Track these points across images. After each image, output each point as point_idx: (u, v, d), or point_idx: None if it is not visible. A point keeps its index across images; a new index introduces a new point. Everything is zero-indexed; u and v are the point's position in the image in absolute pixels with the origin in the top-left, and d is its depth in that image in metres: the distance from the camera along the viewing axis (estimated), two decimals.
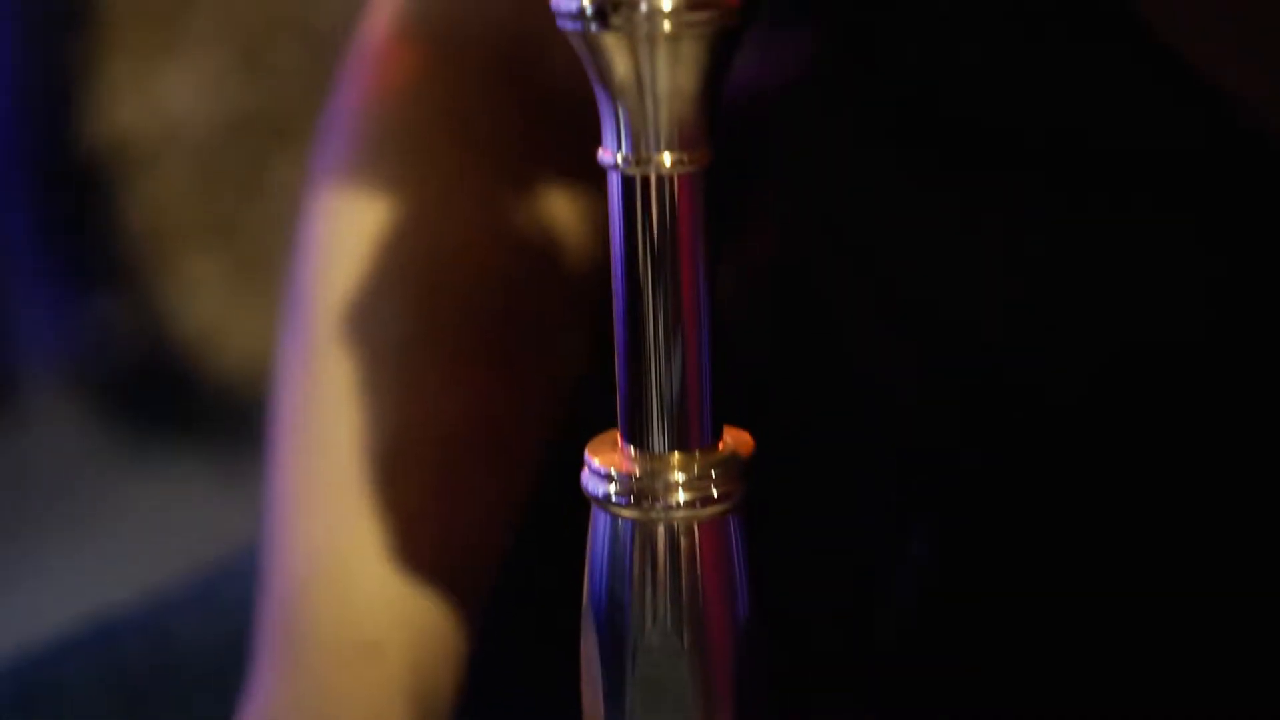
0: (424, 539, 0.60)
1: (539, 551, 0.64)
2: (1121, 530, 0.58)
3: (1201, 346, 0.56)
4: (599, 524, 0.45)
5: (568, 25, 0.43)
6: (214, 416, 1.98)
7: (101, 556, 1.88)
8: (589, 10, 0.43)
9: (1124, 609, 0.58)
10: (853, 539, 0.62)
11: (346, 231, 0.65)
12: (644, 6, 0.42)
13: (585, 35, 0.43)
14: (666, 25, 0.42)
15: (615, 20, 0.42)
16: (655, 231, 0.44)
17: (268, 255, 2.00)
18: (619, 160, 0.44)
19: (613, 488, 0.44)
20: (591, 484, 0.45)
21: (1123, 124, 0.55)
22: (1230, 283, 0.55)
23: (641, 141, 0.43)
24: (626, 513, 0.44)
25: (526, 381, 0.65)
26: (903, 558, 0.61)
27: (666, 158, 0.44)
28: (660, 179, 0.44)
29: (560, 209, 0.67)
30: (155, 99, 1.98)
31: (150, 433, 1.98)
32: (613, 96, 0.43)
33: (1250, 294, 0.55)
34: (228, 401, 1.98)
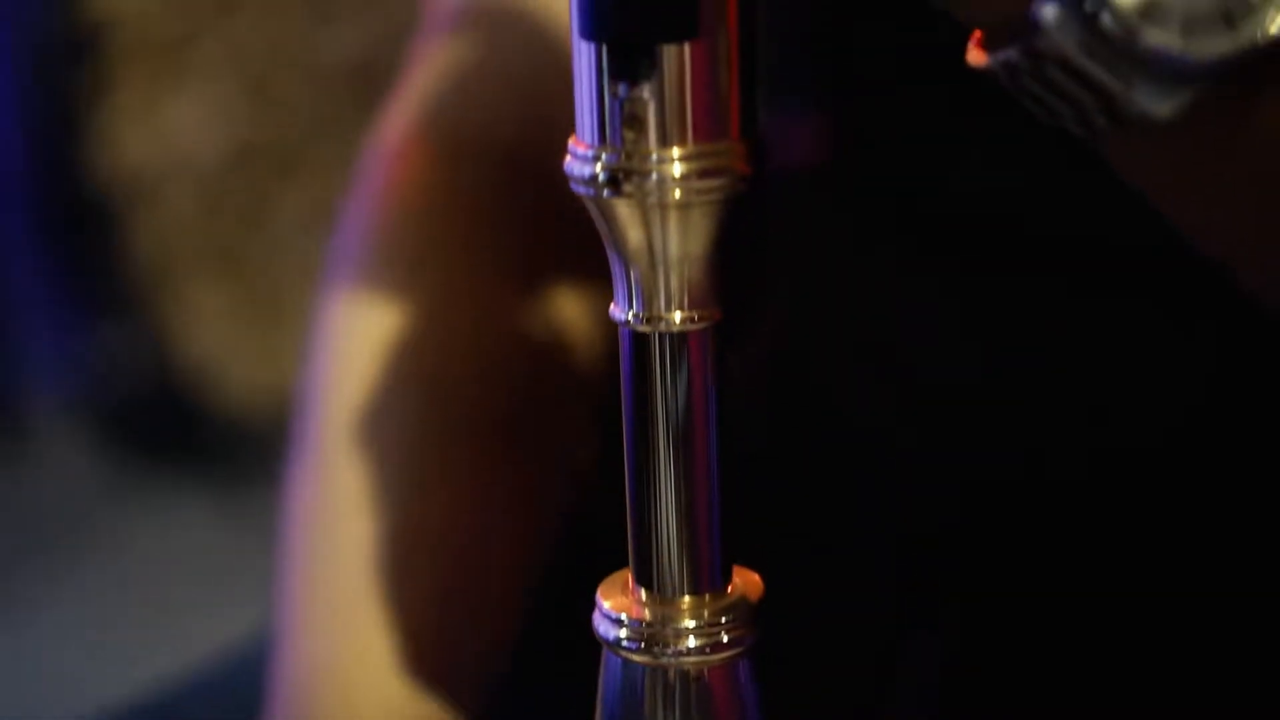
0: (430, 647, 0.61)
1: (548, 652, 0.65)
2: (1131, 607, 0.59)
3: (1198, 428, 0.57)
4: (611, 666, 0.46)
5: (580, 190, 0.44)
6: (219, 446, 1.99)
7: (105, 586, 1.89)
8: (601, 178, 0.44)
9: (1141, 686, 0.59)
10: (860, 631, 0.63)
11: (356, 336, 0.66)
12: (655, 175, 0.43)
13: (597, 201, 0.44)
14: (677, 193, 0.44)
15: (627, 188, 0.44)
16: (666, 386, 0.45)
17: (272, 286, 2.01)
18: (630, 317, 0.45)
19: (624, 632, 0.46)
20: (603, 627, 0.46)
21: (1123, 221, 0.56)
22: (1226, 370, 0.56)
23: (652, 301, 0.45)
24: (638, 658, 0.46)
25: (534, 482, 0.66)
26: (912, 647, 0.62)
27: (677, 316, 0.45)
28: (671, 336, 0.45)
29: (567, 306, 0.68)
30: (161, 131, 1.99)
31: (155, 462, 2.00)
32: (624, 260, 0.45)
33: (1245, 381, 0.56)
34: (233, 431, 2.00)
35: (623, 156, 0.44)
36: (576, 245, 0.63)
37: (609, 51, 0.43)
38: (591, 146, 0.44)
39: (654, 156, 0.43)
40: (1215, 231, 0.42)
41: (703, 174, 0.44)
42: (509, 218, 0.68)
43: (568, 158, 0.45)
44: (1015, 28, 0.40)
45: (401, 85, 0.72)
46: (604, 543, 0.54)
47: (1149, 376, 0.56)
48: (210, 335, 2.01)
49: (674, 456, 0.45)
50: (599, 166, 0.44)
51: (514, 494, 0.65)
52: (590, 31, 0.43)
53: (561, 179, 0.63)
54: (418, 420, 0.64)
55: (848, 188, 0.60)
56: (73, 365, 2.02)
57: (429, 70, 0.70)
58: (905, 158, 0.59)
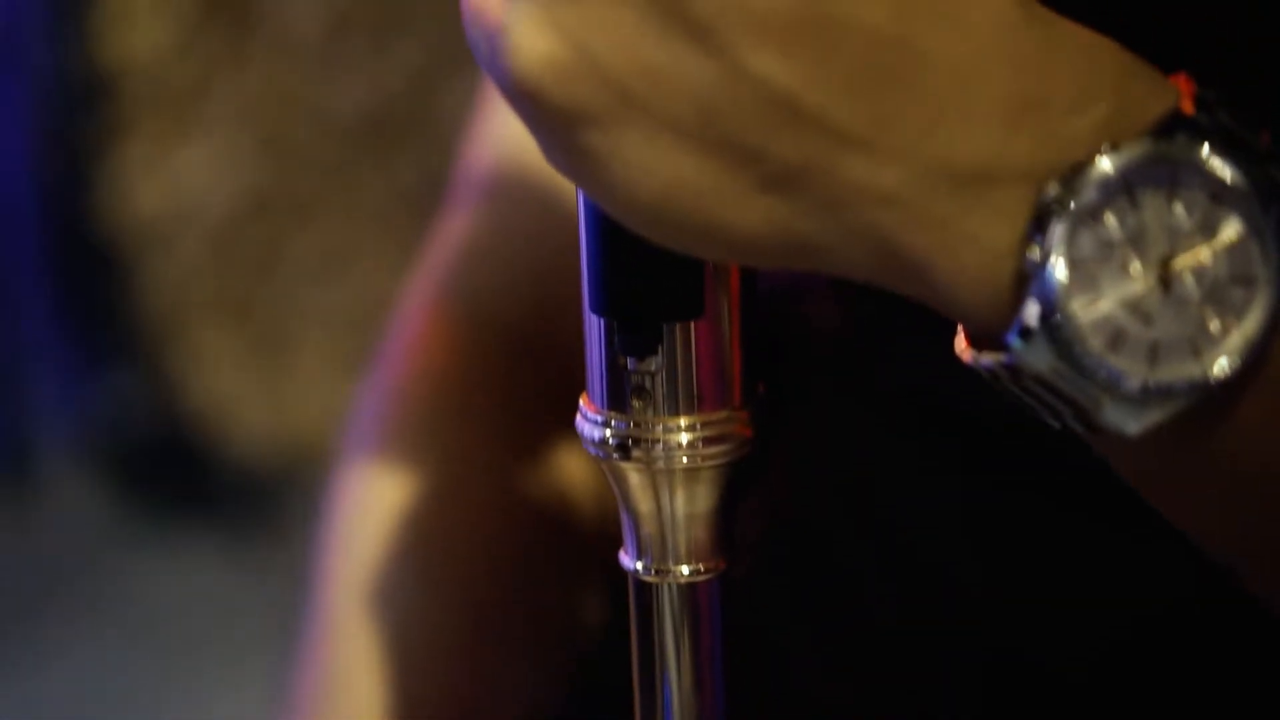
0: None
1: None
2: None
3: (1194, 622, 0.58)
4: None
5: (591, 450, 0.46)
6: (228, 493, 2.01)
7: (114, 631, 1.90)
8: (611, 443, 0.46)
9: None
10: None
11: (369, 502, 0.68)
12: (662, 443, 0.45)
13: (608, 463, 0.46)
14: (684, 459, 0.46)
15: (635, 454, 0.46)
16: (672, 633, 0.47)
17: (282, 334, 2.03)
18: (639, 567, 0.47)
19: None
20: None
21: None
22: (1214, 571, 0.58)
23: (661, 555, 0.47)
24: None
25: (541, 652, 0.68)
26: None
27: (685, 569, 0.47)
28: (679, 586, 0.47)
29: (576, 473, 0.70)
30: (172, 179, 2.01)
31: (164, 508, 2.01)
32: (634, 516, 0.47)
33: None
34: (242, 478, 2.01)
35: (631, 424, 0.45)
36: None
37: (618, 327, 0.45)
38: (601, 411, 0.46)
39: (661, 425, 0.45)
40: (1207, 533, 0.44)
41: (708, 441, 0.46)
42: (520, 390, 0.70)
43: (579, 418, 0.47)
44: (993, 340, 0.42)
45: (427, 254, 0.74)
46: (609, 706, 0.56)
47: (1158, 570, 0.57)
48: (220, 383, 2.03)
49: (680, 700, 0.47)
50: (609, 432, 0.46)
51: (520, 665, 0.67)
52: (600, 307, 0.45)
53: (571, 352, 0.65)
54: (427, 592, 0.66)
55: (860, 378, 0.61)
56: (82, 412, 2.04)
57: (450, 243, 0.72)
58: (917, 355, 0.61)
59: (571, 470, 0.70)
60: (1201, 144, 0.40)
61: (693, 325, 0.45)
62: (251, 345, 2.03)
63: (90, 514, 2.01)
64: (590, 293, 0.46)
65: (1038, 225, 0.40)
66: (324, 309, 2.03)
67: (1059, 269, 0.40)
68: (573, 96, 0.40)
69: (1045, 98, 0.40)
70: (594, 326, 0.46)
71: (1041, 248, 0.40)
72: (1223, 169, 0.40)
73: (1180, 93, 0.42)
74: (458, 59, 1.94)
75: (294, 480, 2.00)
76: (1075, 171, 0.40)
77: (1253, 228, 0.40)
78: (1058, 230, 0.40)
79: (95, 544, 1.98)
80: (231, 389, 2.03)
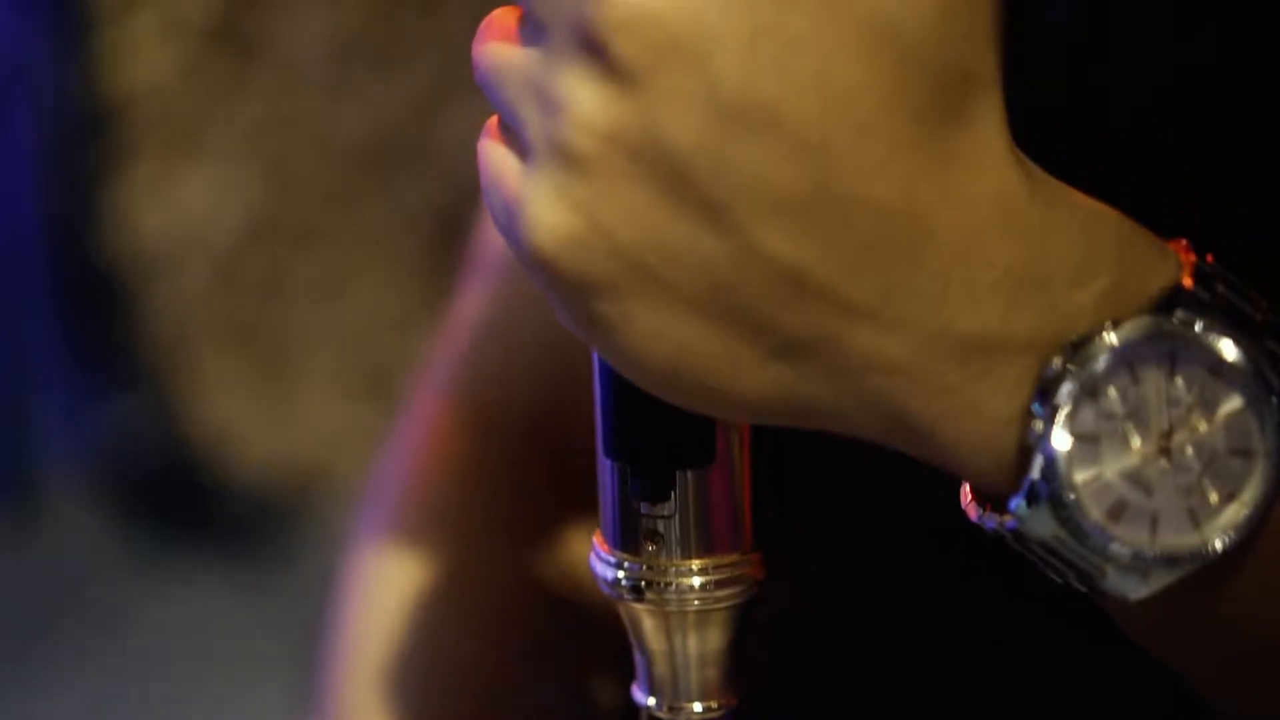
0: None
1: None
2: None
3: None
4: None
5: (605, 590, 0.48)
6: (233, 519, 2.02)
7: (118, 660, 1.91)
8: (624, 583, 0.47)
9: None
10: None
11: (380, 591, 0.70)
12: (674, 586, 0.47)
13: (621, 604, 0.47)
14: (695, 602, 0.47)
15: (648, 595, 0.47)
16: None
17: (288, 360, 2.04)
18: (651, 703, 0.48)
19: None
20: None
21: None
22: None
23: (673, 693, 0.48)
24: None
25: None
26: None
27: (697, 706, 0.48)
28: None
29: (582, 561, 0.71)
30: (176, 206, 2.01)
31: (170, 535, 2.02)
32: (646, 654, 0.48)
33: None
34: (247, 504, 2.02)
35: (644, 567, 0.47)
36: (592, 504, 0.66)
37: (631, 472, 0.46)
38: (614, 552, 0.47)
39: (674, 569, 0.46)
40: (1206, 683, 0.45)
41: (720, 584, 0.47)
42: (532, 475, 0.71)
43: (592, 556, 0.49)
44: (997, 502, 0.43)
45: (439, 339, 0.75)
46: None
47: (1139, 696, 0.58)
48: (225, 408, 2.04)
49: None
50: (622, 574, 0.47)
51: None
52: (613, 452, 0.46)
53: (583, 435, 0.67)
54: (436, 683, 0.68)
55: (865, 488, 0.62)
56: (87, 439, 2.04)
57: (462, 324, 0.73)
58: (921, 467, 0.62)
59: (582, 554, 0.72)
60: (1201, 319, 0.41)
61: (705, 472, 0.46)
62: (256, 371, 2.04)
63: (95, 540, 2.01)
64: (604, 438, 0.47)
65: (1041, 398, 0.41)
66: (329, 334, 2.04)
67: (1061, 441, 0.41)
68: (587, 268, 0.41)
69: (1047, 272, 0.42)
70: (607, 470, 0.47)
71: (1044, 420, 0.41)
72: (1221, 345, 0.41)
73: (1180, 262, 0.43)
74: (461, 85, 1.95)
75: (300, 506, 2.01)
76: (1077, 347, 0.41)
77: (1251, 401, 0.41)
78: (1060, 404, 0.41)
79: (100, 571, 1.99)
80: (237, 415, 2.04)
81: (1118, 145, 0.55)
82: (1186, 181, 0.54)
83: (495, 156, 0.44)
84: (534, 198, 0.41)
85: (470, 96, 2.17)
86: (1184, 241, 0.44)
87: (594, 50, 0.40)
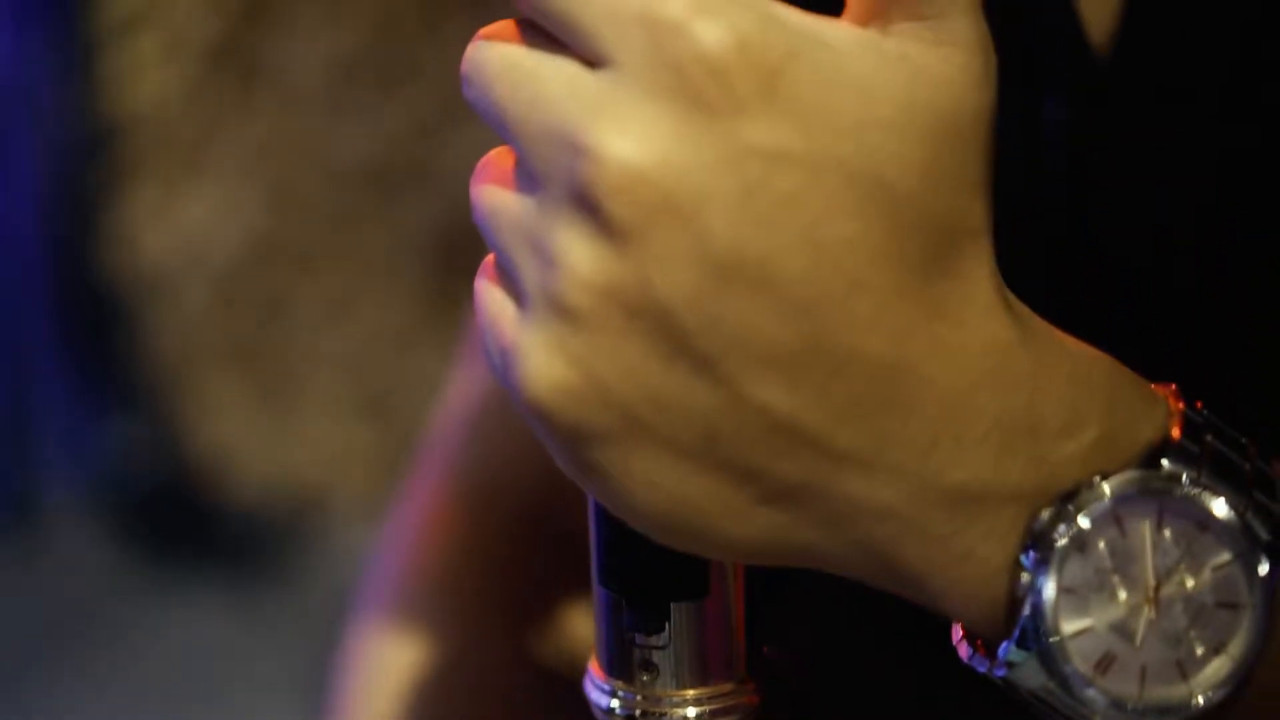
0: None
1: None
2: None
3: None
4: None
5: (600, 717, 0.48)
6: (234, 541, 2.02)
7: (119, 681, 1.91)
8: (619, 712, 0.47)
9: None
10: None
11: (380, 673, 0.70)
12: (669, 715, 0.47)
13: None
14: None
15: None
16: None
17: (288, 382, 2.04)
18: None
19: None
20: None
21: None
22: None
23: None
24: None
25: None
26: None
27: None
28: None
29: (586, 639, 0.72)
30: (178, 228, 2.02)
31: (169, 557, 2.02)
32: None
33: None
34: (247, 526, 2.02)
35: (639, 696, 0.47)
36: (590, 585, 0.66)
37: (625, 603, 0.46)
38: (609, 680, 0.47)
39: (668, 699, 0.47)
40: None
41: (716, 714, 0.47)
42: (531, 555, 0.72)
43: (587, 683, 0.49)
44: (988, 644, 0.43)
45: (437, 419, 0.75)
46: None
47: None
48: (225, 430, 2.04)
49: None
50: (616, 703, 0.47)
51: None
52: (607, 582, 0.47)
53: (576, 524, 0.67)
54: None
55: (851, 598, 0.63)
56: (88, 461, 2.05)
57: (462, 402, 0.74)
58: None
59: (581, 635, 0.72)
60: (1189, 472, 0.42)
61: (699, 603, 0.47)
62: (257, 392, 2.05)
63: (95, 561, 2.02)
64: (598, 568, 0.47)
65: (1030, 549, 0.42)
66: (330, 356, 2.04)
67: (1049, 593, 0.42)
68: (582, 419, 0.42)
69: (1036, 422, 0.42)
70: (602, 598, 0.48)
71: (1032, 572, 0.42)
72: (1209, 501, 0.42)
73: (1169, 411, 0.43)
74: (463, 108, 1.95)
75: (300, 527, 2.01)
76: (1066, 499, 0.42)
77: (1238, 555, 0.42)
78: (1048, 557, 0.41)
79: (100, 592, 1.99)
80: (237, 436, 2.04)
81: (1115, 255, 0.55)
82: (1182, 299, 0.55)
83: (492, 300, 0.44)
84: (529, 348, 0.42)
85: (471, 119, 2.17)
86: (1173, 387, 0.44)
87: (588, 208, 0.41)
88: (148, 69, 2.02)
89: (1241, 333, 0.54)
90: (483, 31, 0.44)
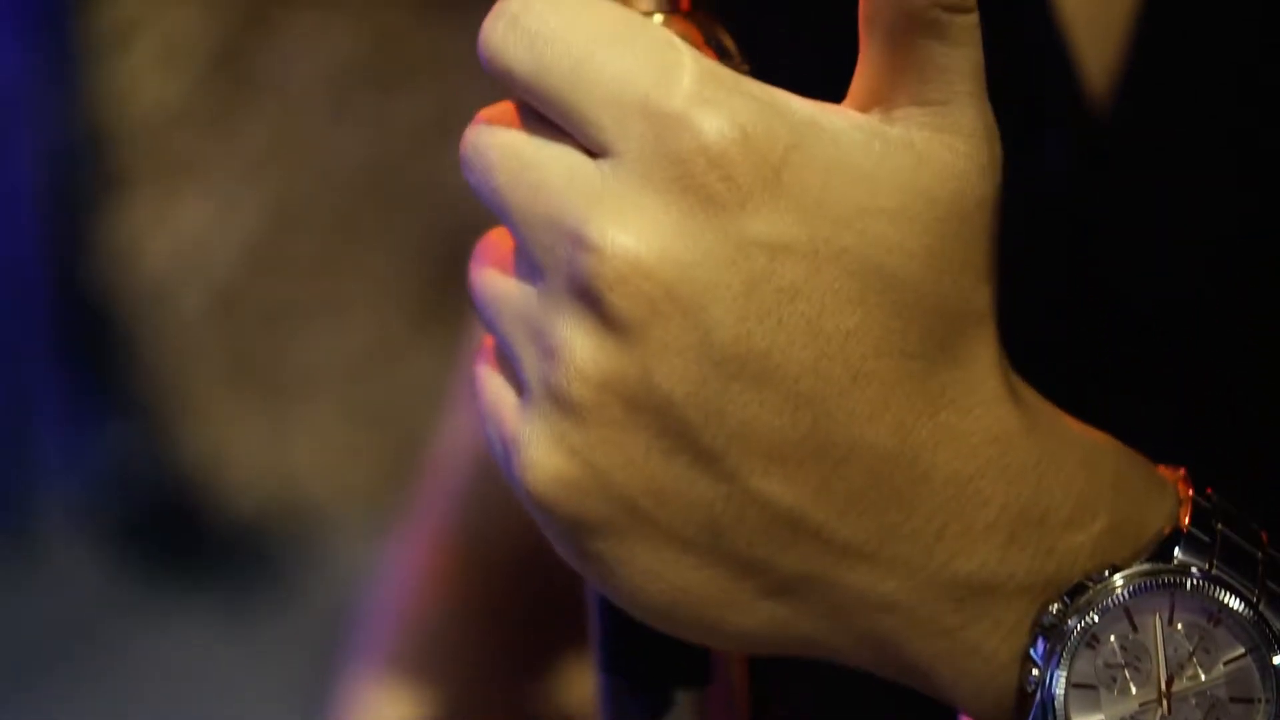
0: None
1: None
2: None
3: None
4: None
5: None
6: (228, 554, 2.02)
7: (112, 695, 1.91)
8: None
9: None
10: None
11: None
12: None
13: None
14: None
15: None
16: None
17: (284, 393, 2.04)
18: None
19: None
20: None
21: None
22: None
23: None
24: None
25: None
26: None
27: None
28: None
29: (582, 687, 0.71)
30: (174, 236, 2.01)
31: (166, 568, 2.02)
32: None
33: None
34: (244, 537, 2.02)
35: None
36: (582, 625, 0.66)
37: (628, 688, 0.46)
38: None
39: None
40: None
41: None
42: (519, 612, 0.71)
43: None
44: None
45: (430, 468, 0.75)
46: None
47: None
48: (222, 440, 2.04)
49: None
50: None
51: None
52: (610, 669, 0.46)
53: (570, 574, 0.67)
54: None
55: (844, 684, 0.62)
56: (84, 472, 2.04)
57: (453, 460, 0.73)
58: None
59: (578, 690, 0.72)
60: (1200, 564, 0.41)
61: (702, 690, 0.46)
62: (255, 404, 2.04)
63: (91, 573, 2.01)
64: (601, 655, 0.47)
65: (1039, 644, 0.41)
66: (326, 367, 2.04)
67: (1060, 688, 0.41)
68: (583, 511, 0.41)
69: (1043, 512, 0.41)
70: (605, 685, 0.47)
71: (1042, 667, 0.41)
72: (1221, 594, 0.41)
73: (1179, 498, 0.42)
74: (461, 116, 1.95)
75: (297, 540, 2.01)
76: (1075, 594, 0.41)
77: (1252, 648, 0.41)
78: (1059, 651, 0.41)
79: (96, 603, 1.99)
80: (234, 446, 2.03)
81: (1117, 300, 0.54)
82: (1186, 344, 0.54)
83: (492, 387, 0.43)
84: (530, 440, 0.41)
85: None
86: (1182, 471, 0.43)
87: (590, 301, 0.40)
88: (145, 77, 2.01)
89: (1247, 379, 0.53)
90: (483, 114, 0.44)
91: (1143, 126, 0.53)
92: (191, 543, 2.03)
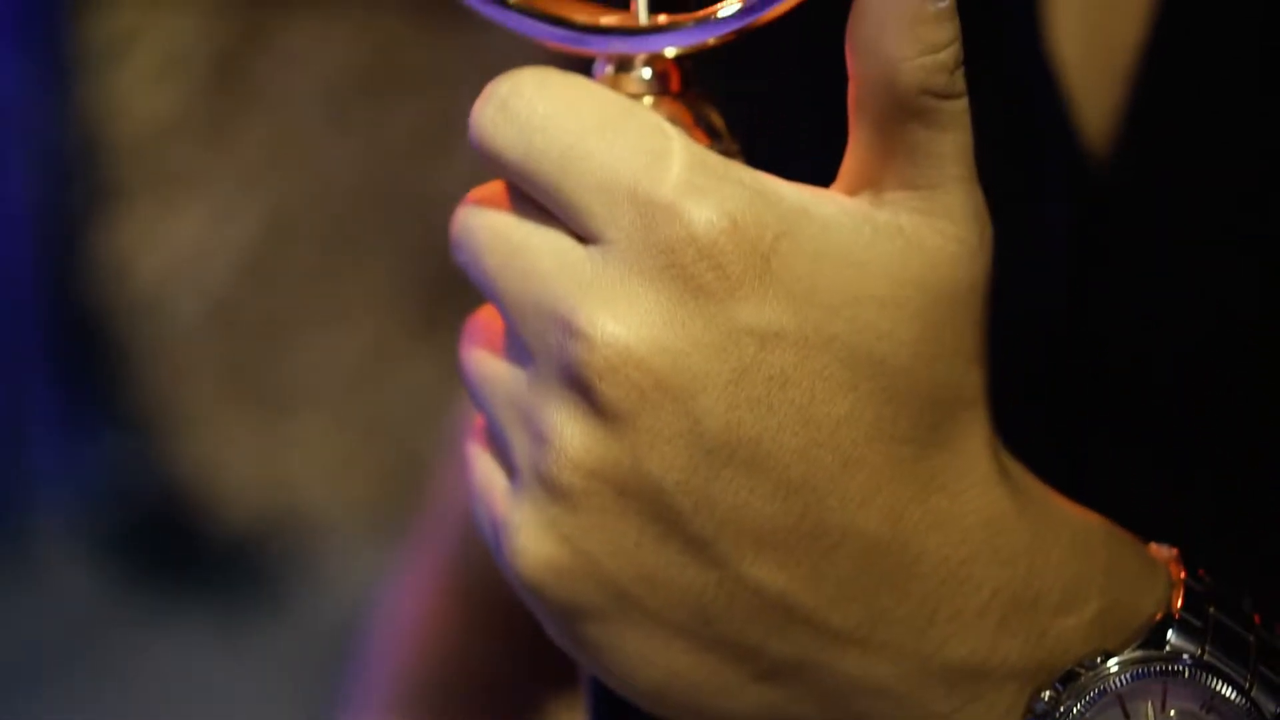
0: None
1: None
2: None
3: None
4: None
5: None
6: (222, 567, 2.01)
7: (106, 708, 1.91)
8: None
9: None
10: None
11: None
12: None
13: None
14: None
15: None
16: None
17: (281, 405, 2.04)
18: None
19: None
20: None
21: None
22: None
23: None
24: None
25: None
26: None
27: None
28: None
29: None
30: (169, 248, 2.01)
31: (162, 580, 2.01)
32: None
33: None
34: (239, 551, 2.02)
35: None
36: (570, 669, 0.66)
37: None
38: None
39: None
40: None
41: None
42: (517, 654, 0.71)
43: None
44: None
45: (427, 512, 0.75)
46: None
47: None
48: (215, 453, 2.03)
49: None
50: None
51: None
52: None
53: None
54: None
55: None
56: (79, 484, 2.04)
57: (450, 503, 0.73)
58: None
59: None
60: (1192, 649, 0.41)
61: None
62: (249, 414, 2.04)
63: (86, 586, 2.01)
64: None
65: None
66: (323, 378, 2.03)
67: None
68: (574, 596, 0.41)
69: (1035, 597, 0.41)
70: None
71: None
72: (1213, 681, 0.41)
73: (1170, 581, 0.42)
74: (457, 126, 1.94)
75: (292, 552, 2.01)
76: (1067, 680, 0.41)
77: None
78: None
79: (91, 617, 1.99)
80: (229, 457, 2.03)
81: (1117, 358, 0.54)
82: (1183, 403, 0.54)
83: (482, 467, 0.43)
84: (520, 525, 0.41)
85: (466, 139, 2.16)
86: (1175, 552, 0.43)
87: (580, 389, 0.40)
88: (141, 88, 2.01)
89: (1244, 439, 0.53)
90: (472, 195, 0.44)
91: (1142, 184, 0.53)
92: (187, 554, 2.02)
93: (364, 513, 1.99)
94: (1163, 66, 0.52)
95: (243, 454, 2.03)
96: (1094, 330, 0.54)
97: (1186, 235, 0.53)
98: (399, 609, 0.74)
